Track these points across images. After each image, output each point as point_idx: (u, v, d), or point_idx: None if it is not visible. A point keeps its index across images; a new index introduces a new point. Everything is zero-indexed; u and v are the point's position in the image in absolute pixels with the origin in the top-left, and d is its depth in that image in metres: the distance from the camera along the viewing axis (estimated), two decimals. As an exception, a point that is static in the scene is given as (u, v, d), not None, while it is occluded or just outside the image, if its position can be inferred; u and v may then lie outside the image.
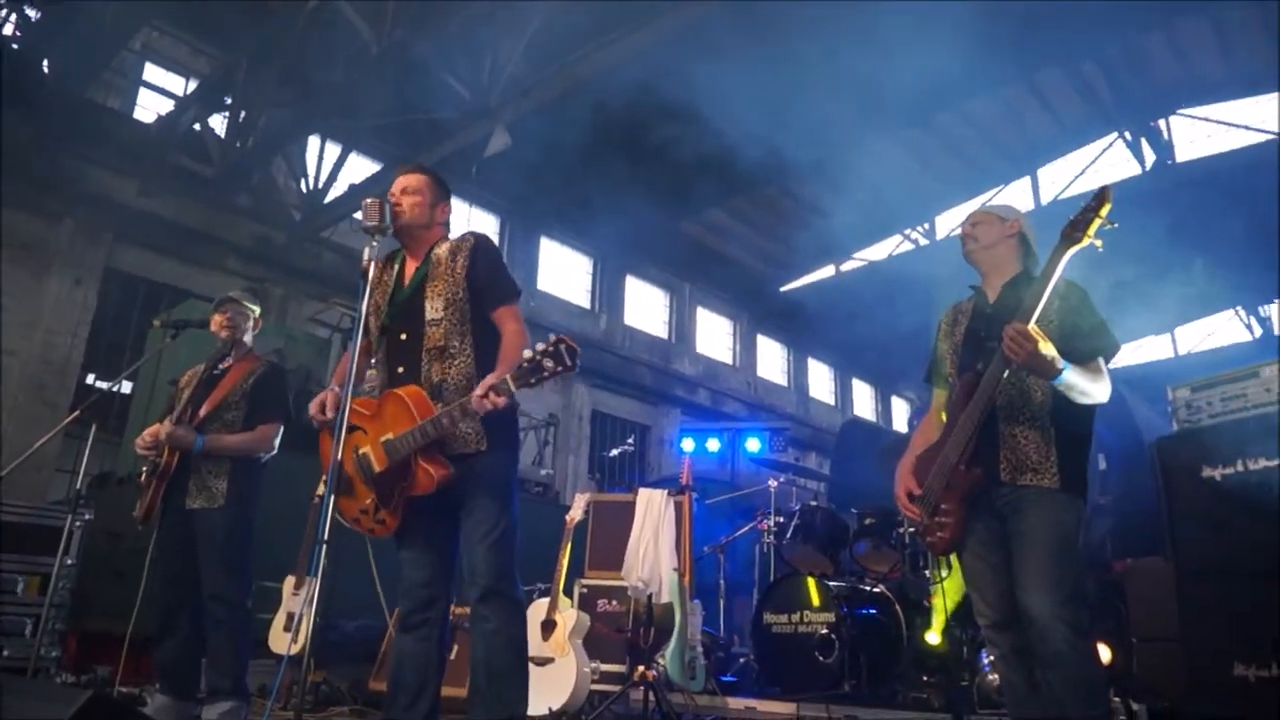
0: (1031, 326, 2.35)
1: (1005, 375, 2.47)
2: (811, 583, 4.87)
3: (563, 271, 15.38)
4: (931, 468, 2.63)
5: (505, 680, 2.51)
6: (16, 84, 8.54)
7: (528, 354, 2.30)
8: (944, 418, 2.74)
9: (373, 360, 2.80)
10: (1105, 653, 4.30)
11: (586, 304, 15.68)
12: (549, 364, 2.28)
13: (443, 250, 2.78)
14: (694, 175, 11.51)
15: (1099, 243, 2.38)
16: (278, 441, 3.74)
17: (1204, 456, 3.72)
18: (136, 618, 3.75)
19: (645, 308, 16.80)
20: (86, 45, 8.45)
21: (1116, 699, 4.13)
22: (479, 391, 2.38)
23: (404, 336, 2.69)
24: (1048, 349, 2.34)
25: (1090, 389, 2.45)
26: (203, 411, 3.64)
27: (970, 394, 2.55)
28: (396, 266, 2.86)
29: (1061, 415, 2.53)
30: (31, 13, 8.64)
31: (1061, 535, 2.43)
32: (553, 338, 2.32)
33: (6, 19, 8.71)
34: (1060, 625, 2.31)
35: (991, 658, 3.92)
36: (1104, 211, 2.37)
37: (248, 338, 3.92)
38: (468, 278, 2.70)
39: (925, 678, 4.60)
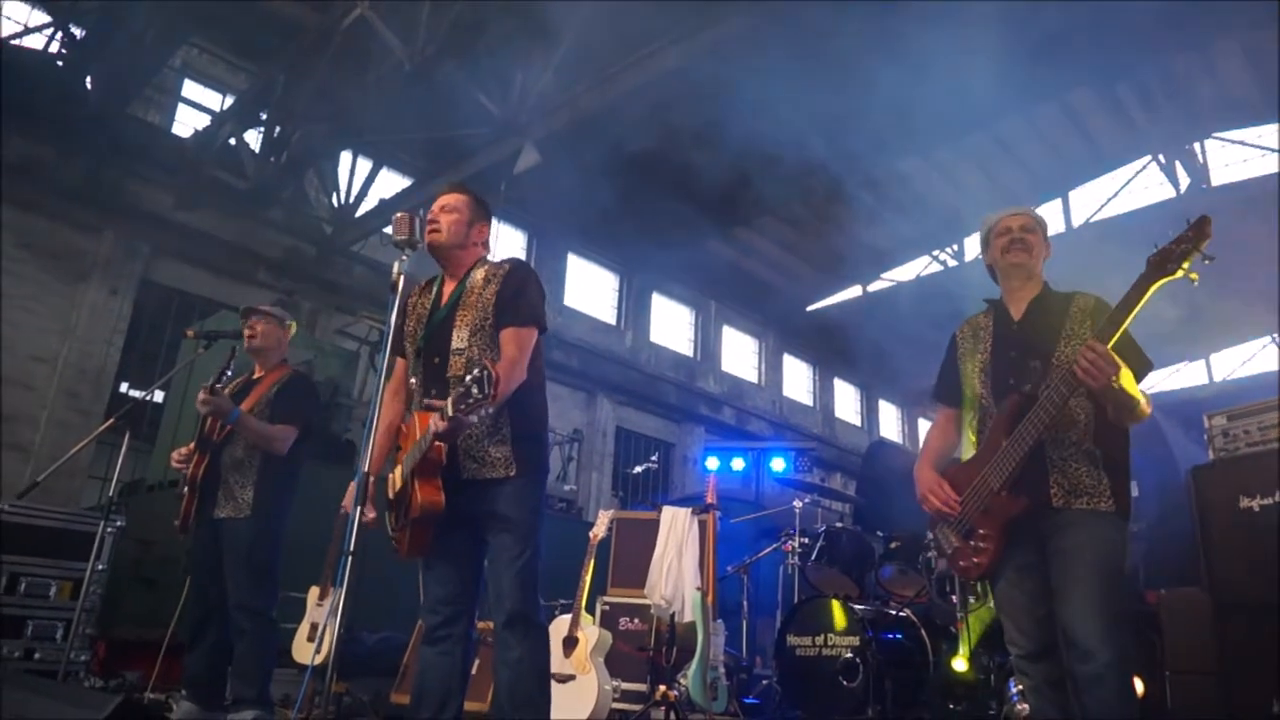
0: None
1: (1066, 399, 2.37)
2: (836, 605, 4.81)
3: (589, 288, 15.45)
4: (963, 487, 2.54)
5: (529, 708, 2.51)
6: (60, 100, 8.78)
7: (466, 379, 2.28)
8: (972, 438, 2.66)
9: (411, 382, 2.81)
10: (1138, 685, 4.20)
11: (612, 320, 15.73)
12: (475, 390, 2.26)
13: (479, 275, 2.77)
14: (722, 194, 11.54)
15: (1195, 276, 2.23)
16: (289, 444, 3.72)
17: (1241, 486, 3.65)
18: (176, 624, 3.78)
19: (671, 325, 16.82)
20: (128, 63, 8.66)
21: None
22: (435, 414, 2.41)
23: (436, 360, 2.70)
24: (1128, 379, 2.27)
25: (1144, 411, 2.38)
26: (234, 420, 3.70)
27: (1016, 416, 2.45)
28: (435, 289, 2.85)
29: (1104, 438, 2.46)
30: (76, 31, 8.88)
31: (1109, 555, 2.37)
32: (484, 365, 2.30)
33: (53, 38, 8.96)
34: (1104, 649, 2.24)
35: (1020, 687, 3.80)
36: (1203, 245, 2.22)
37: (280, 348, 3.97)
38: (495, 304, 2.69)
39: (951, 706, 4.51)
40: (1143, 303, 2.27)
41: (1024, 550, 2.47)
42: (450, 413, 2.31)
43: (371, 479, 2.44)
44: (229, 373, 3.78)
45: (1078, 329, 2.52)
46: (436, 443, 2.45)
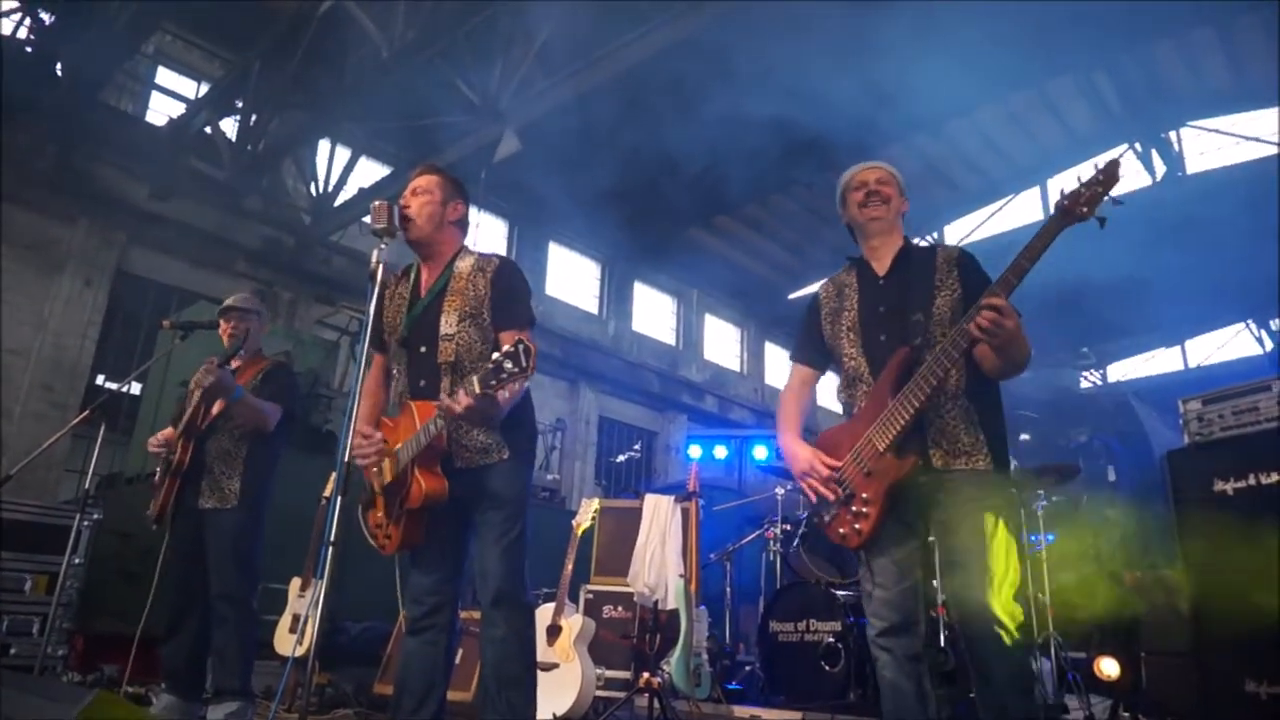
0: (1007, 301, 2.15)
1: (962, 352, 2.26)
2: (818, 591, 4.85)
3: (571, 276, 15.41)
4: (842, 450, 2.41)
5: (515, 687, 2.51)
6: (30, 86, 8.61)
7: (494, 356, 2.27)
8: (849, 400, 2.57)
9: (394, 371, 2.77)
10: (1114, 667, 4.27)
11: (594, 309, 15.70)
12: (508, 365, 2.24)
13: (466, 265, 2.74)
14: (704, 182, 11.53)
15: (1102, 220, 2.12)
16: (274, 422, 3.71)
17: (1215, 470, 3.70)
18: (147, 618, 3.75)
19: (653, 314, 16.81)
20: (99, 49, 8.50)
21: (1126, 714, 4.11)
22: (446, 395, 2.39)
23: (423, 350, 2.67)
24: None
25: (1029, 354, 2.31)
26: (215, 410, 3.66)
27: (901, 374, 2.33)
28: (412, 277, 2.82)
29: (977, 392, 2.38)
30: (45, 16, 8.70)
31: (995, 519, 2.28)
32: (516, 339, 2.29)
33: (21, 22, 8.78)
34: (1004, 619, 2.18)
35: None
36: (1112, 188, 2.12)
37: (257, 339, 3.94)
38: (490, 300, 2.67)
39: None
40: (1047, 249, 2.18)
41: (903, 516, 2.36)
42: (478, 390, 2.28)
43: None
44: (235, 364, 3.77)
45: (946, 279, 2.46)
46: (442, 430, 2.44)
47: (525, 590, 2.61)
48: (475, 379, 2.29)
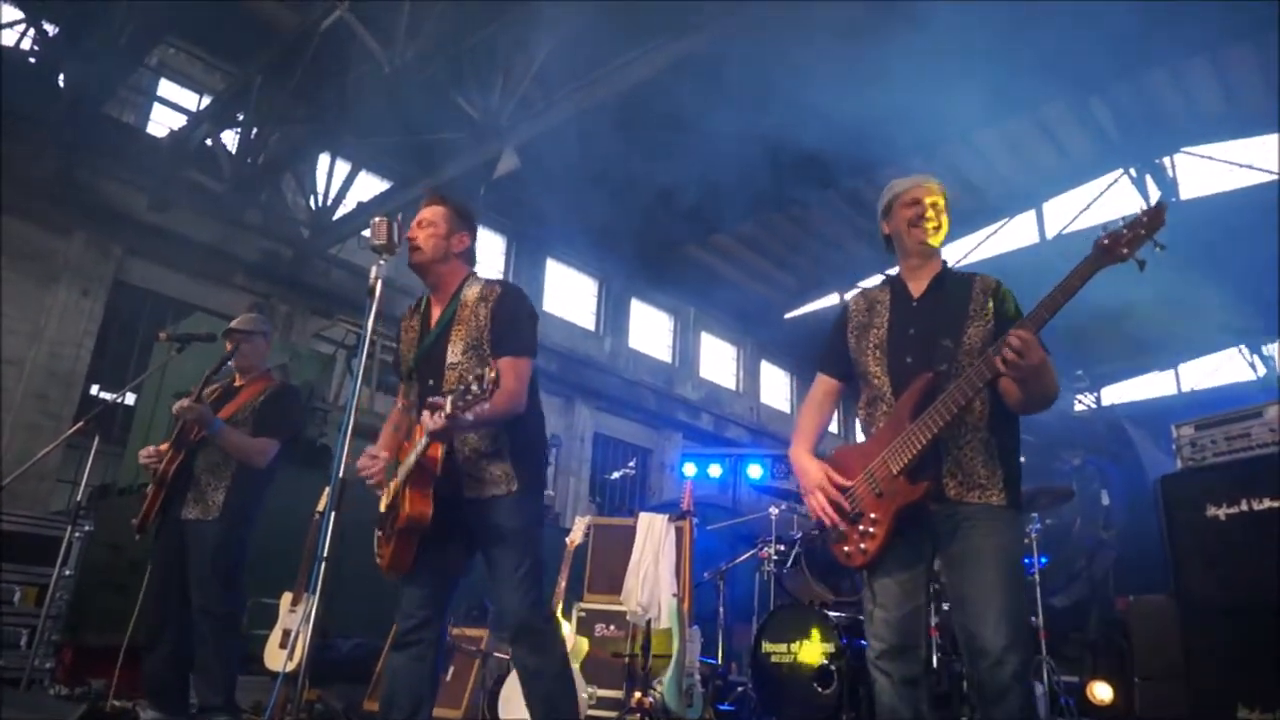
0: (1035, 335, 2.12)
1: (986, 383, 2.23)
2: (811, 612, 4.83)
3: (568, 293, 15.44)
4: (855, 470, 2.39)
5: (556, 712, 2.56)
6: (32, 97, 8.65)
7: (469, 378, 2.32)
8: (868, 418, 2.52)
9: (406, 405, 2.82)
10: (1107, 691, 4.26)
11: (591, 326, 15.72)
12: (474, 388, 2.28)
13: (472, 294, 2.77)
14: (701, 200, 11.58)
15: (1141, 262, 2.07)
16: (270, 458, 3.71)
17: (1208, 495, 3.71)
18: (132, 630, 3.73)
19: (650, 331, 16.84)
20: (102, 61, 8.55)
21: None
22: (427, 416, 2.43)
23: (431, 382, 2.70)
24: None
25: (1057, 391, 2.29)
26: (204, 424, 3.66)
27: (923, 398, 2.30)
28: (422, 309, 2.85)
29: (999, 425, 2.36)
30: (49, 28, 8.75)
31: (1014, 559, 2.30)
32: (493, 367, 2.33)
33: (24, 33, 8.82)
34: (1013, 658, 2.17)
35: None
36: (1155, 232, 2.07)
37: (259, 359, 3.94)
38: (490, 327, 2.70)
39: (925, 712, 4.54)
40: (1082, 287, 2.14)
41: (907, 539, 2.34)
42: (449, 410, 2.31)
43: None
44: (218, 376, 3.77)
45: (981, 309, 2.42)
46: (432, 447, 2.45)
47: (544, 614, 2.66)
48: (448, 399, 2.33)
